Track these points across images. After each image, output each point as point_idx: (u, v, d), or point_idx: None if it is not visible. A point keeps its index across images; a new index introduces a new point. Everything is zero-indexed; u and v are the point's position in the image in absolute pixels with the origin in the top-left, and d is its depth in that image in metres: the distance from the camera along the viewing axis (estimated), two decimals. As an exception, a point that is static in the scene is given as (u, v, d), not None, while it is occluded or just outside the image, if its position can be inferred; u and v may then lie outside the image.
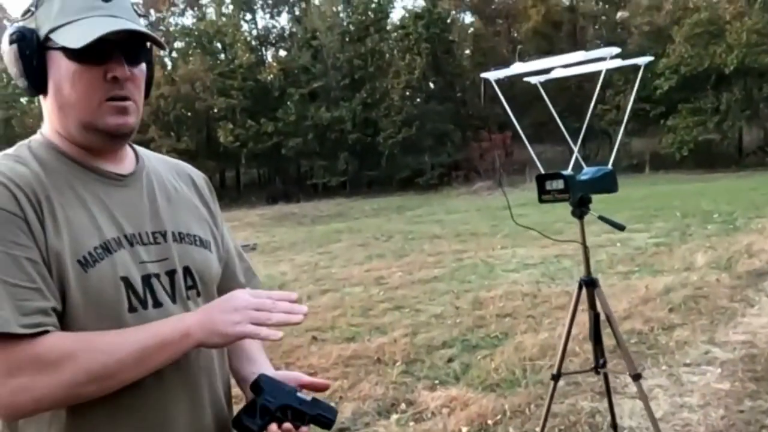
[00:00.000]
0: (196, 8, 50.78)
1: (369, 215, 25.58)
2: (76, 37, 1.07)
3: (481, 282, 8.36)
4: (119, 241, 1.12)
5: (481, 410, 3.99)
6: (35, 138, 1.19)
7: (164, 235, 1.19)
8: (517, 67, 3.56)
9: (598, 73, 3.91)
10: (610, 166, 3.17)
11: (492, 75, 3.60)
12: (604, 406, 3.84)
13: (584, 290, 3.10)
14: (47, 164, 1.13)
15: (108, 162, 1.19)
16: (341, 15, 45.96)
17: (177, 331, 1.07)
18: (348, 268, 10.63)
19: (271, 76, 44.63)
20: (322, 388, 1.26)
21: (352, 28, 43.92)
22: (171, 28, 48.91)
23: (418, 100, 42.09)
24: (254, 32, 49.15)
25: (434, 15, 41.96)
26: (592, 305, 3.07)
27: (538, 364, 4.76)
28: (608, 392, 3.40)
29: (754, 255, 8.51)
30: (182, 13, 51.26)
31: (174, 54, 46.56)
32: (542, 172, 3.01)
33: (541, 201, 3.02)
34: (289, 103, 41.65)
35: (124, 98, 1.13)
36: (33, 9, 1.13)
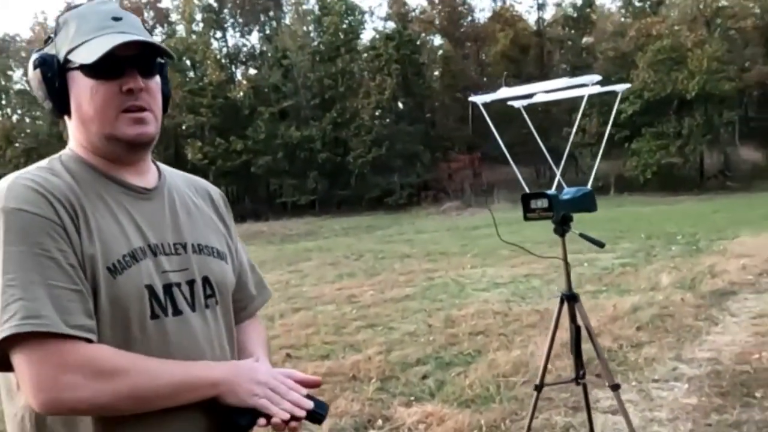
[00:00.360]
0: (165, 25, 50.55)
1: (339, 234, 25.57)
2: (90, 53, 1.14)
3: (452, 301, 8.44)
4: (144, 251, 1.18)
5: (457, 425, 4.04)
6: (65, 152, 1.25)
7: (185, 246, 1.26)
8: (504, 92, 3.70)
9: (568, 98, 4.07)
10: (589, 186, 3.31)
11: (479, 99, 3.73)
12: (578, 421, 3.95)
13: (565, 305, 3.21)
14: (78, 175, 1.19)
15: (133, 175, 1.25)
16: (312, 35, 46.14)
17: (208, 378, 1.16)
18: (319, 287, 10.63)
19: (241, 94, 44.51)
20: (314, 385, 1.31)
21: (322, 48, 44.04)
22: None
23: (388, 120, 42.26)
24: (224, 50, 49.00)
25: (404, 37, 42.39)
26: (573, 318, 3.18)
27: (511, 381, 4.84)
28: (587, 403, 3.49)
29: (717, 275, 8.75)
30: (151, 30, 50.44)
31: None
32: (527, 190, 3.13)
33: (526, 219, 3.15)
34: (258, 121, 41.47)
35: (141, 108, 1.19)
36: (53, 36, 1.22)
